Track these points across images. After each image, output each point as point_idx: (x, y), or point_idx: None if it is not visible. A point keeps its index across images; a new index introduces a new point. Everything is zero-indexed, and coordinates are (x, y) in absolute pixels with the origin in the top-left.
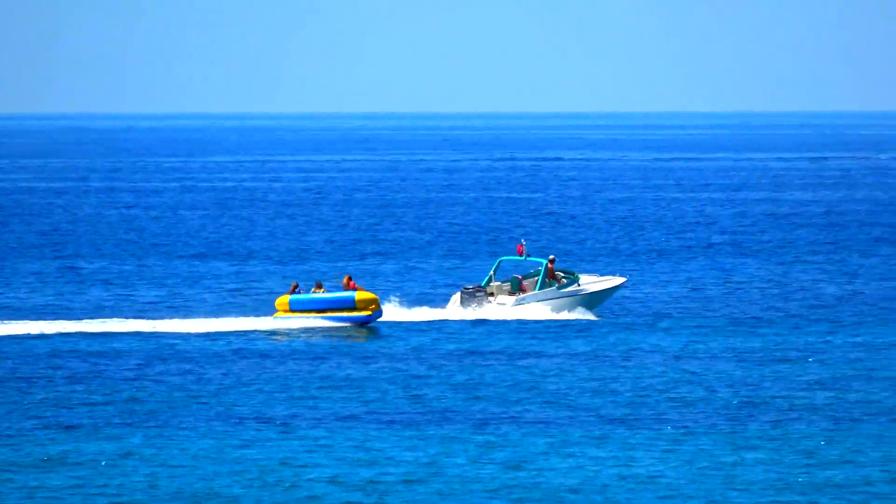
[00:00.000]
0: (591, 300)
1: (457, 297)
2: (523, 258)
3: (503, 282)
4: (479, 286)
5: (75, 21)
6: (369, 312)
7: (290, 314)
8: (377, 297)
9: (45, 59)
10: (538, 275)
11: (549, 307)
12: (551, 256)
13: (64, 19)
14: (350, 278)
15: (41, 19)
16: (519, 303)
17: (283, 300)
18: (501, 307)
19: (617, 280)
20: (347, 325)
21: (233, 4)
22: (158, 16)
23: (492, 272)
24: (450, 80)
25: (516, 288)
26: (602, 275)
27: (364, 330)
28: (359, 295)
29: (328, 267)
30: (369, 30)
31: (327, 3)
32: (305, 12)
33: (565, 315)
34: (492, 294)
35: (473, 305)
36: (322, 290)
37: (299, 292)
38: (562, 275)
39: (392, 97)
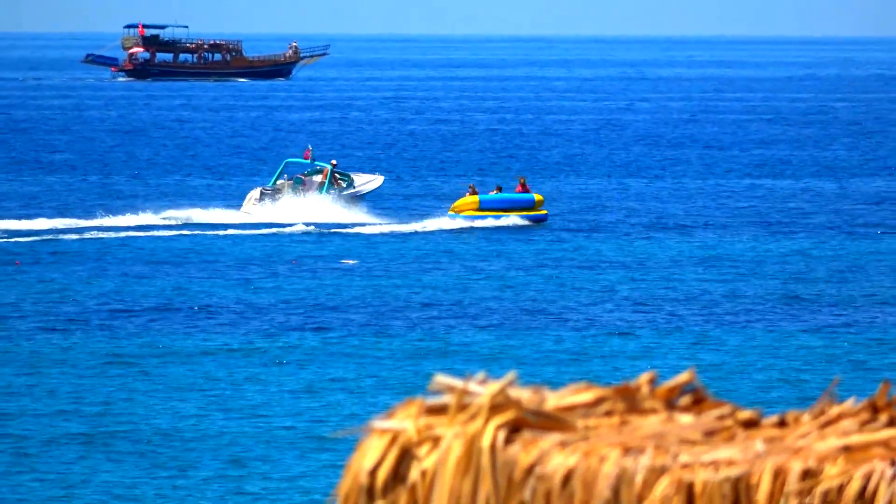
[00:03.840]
0: (363, 198)
1: (253, 194)
2: (309, 162)
3: (287, 180)
4: (272, 186)
5: None
6: (545, 212)
7: (476, 212)
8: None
9: None
10: (317, 173)
11: (337, 205)
12: (333, 161)
13: None
14: (524, 183)
15: None
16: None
17: (469, 200)
18: (297, 205)
19: (378, 179)
20: (527, 221)
21: None
22: None
23: (279, 173)
24: None
25: (299, 186)
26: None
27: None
28: (536, 196)
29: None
30: None
31: None
32: None
33: (345, 213)
34: (279, 192)
35: (269, 203)
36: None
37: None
38: (339, 177)
39: None
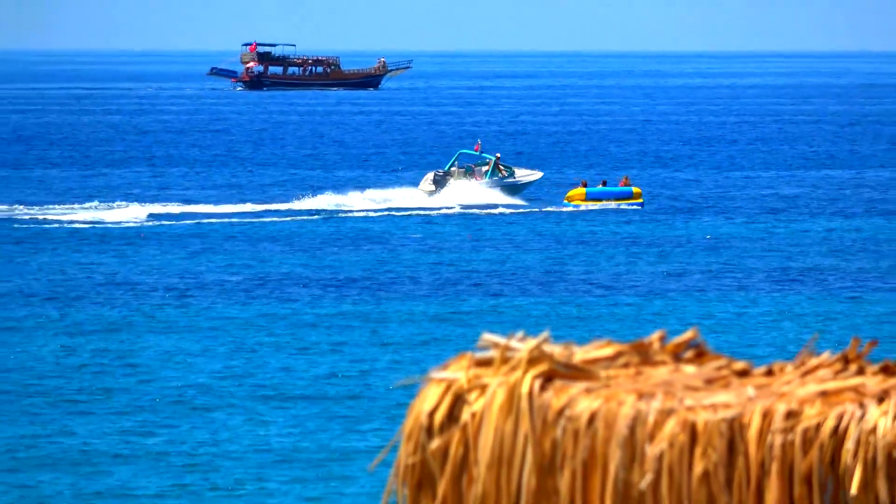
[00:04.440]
0: (523, 187)
1: (429, 176)
2: (478, 153)
3: (459, 168)
4: (446, 171)
5: None
6: (641, 200)
7: (583, 202)
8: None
9: None
10: (484, 164)
11: (498, 191)
12: (497, 154)
13: None
14: (627, 179)
15: None
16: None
17: (579, 192)
18: (464, 188)
19: (537, 174)
20: (628, 206)
21: None
22: None
23: (452, 161)
24: None
25: (469, 173)
26: (525, 168)
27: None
28: (634, 189)
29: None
30: None
31: None
32: None
33: (505, 198)
34: (451, 177)
35: (441, 186)
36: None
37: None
38: (503, 167)
39: None
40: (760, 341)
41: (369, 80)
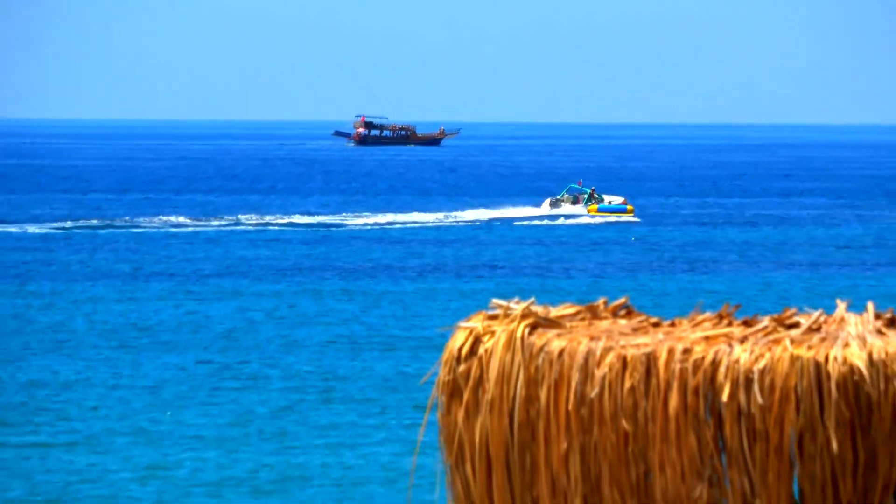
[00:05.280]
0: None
1: (548, 201)
2: (580, 187)
3: (569, 195)
4: (559, 198)
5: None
6: (632, 214)
7: (598, 213)
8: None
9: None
10: (583, 193)
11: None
12: (592, 187)
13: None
14: (626, 200)
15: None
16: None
17: (594, 206)
18: (571, 208)
19: (619, 199)
20: (621, 217)
21: None
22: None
23: (564, 192)
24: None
25: (575, 200)
26: (612, 194)
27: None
28: (629, 207)
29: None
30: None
31: None
32: None
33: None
34: (563, 202)
35: (557, 207)
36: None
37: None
38: (596, 196)
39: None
40: (668, 304)
41: (434, 141)
